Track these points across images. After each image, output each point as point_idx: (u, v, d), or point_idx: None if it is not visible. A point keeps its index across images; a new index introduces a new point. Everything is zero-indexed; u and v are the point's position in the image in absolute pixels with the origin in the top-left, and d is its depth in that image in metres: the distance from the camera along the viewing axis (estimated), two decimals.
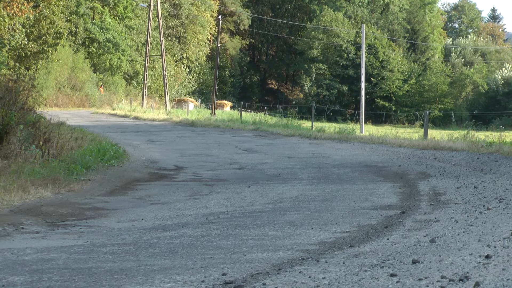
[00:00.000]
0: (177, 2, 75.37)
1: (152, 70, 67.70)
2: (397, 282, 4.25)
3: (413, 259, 4.97)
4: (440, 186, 11.38)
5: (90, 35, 62.64)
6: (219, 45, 51.90)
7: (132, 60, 67.92)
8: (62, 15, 40.50)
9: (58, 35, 39.30)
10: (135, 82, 68.95)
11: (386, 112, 75.09)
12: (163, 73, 54.90)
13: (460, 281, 4.18)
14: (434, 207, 8.88)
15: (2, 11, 28.60)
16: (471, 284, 4.10)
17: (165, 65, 54.85)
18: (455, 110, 74.44)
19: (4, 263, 5.52)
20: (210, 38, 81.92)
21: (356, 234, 6.83)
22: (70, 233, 7.70)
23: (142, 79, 59.43)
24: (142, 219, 8.68)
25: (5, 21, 29.64)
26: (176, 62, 74.04)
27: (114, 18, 66.17)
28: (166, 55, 59.05)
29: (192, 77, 76.22)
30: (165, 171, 15.19)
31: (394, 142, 22.31)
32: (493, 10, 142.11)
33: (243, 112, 48.72)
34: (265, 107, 68.54)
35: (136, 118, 42.20)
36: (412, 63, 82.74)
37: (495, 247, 5.42)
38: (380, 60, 78.83)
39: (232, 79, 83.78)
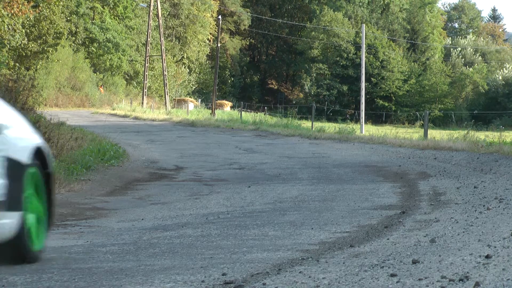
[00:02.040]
0: (177, 2, 75.36)
1: (152, 70, 67.70)
2: (397, 282, 4.25)
3: (413, 259, 4.97)
4: (440, 186, 11.38)
5: (90, 35, 62.65)
6: (219, 45, 51.89)
7: (132, 60, 67.93)
8: (62, 15, 40.50)
9: (58, 35, 39.28)
10: (135, 82, 68.96)
11: (386, 112, 75.11)
12: (163, 73, 54.90)
13: (460, 281, 4.18)
14: (434, 207, 8.88)
15: (2, 11, 28.60)
16: (471, 284, 4.10)
17: (165, 65, 54.85)
18: (455, 110, 74.47)
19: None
20: (210, 38, 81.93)
21: (356, 234, 6.83)
22: (70, 233, 7.70)
23: (142, 79, 59.43)
24: (142, 219, 8.68)
25: (4, 21, 29.64)
26: (176, 62, 74.04)
27: (114, 18, 66.16)
28: (166, 55, 59.04)
29: (192, 77, 76.22)
30: (165, 171, 15.19)
31: (394, 142, 22.31)
32: (493, 10, 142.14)
33: (243, 112, 48.74)
34: (265, 107, 68.54)
35: (136, 118, 42.22)
36: (412, 63, 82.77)
37: (495, 247, 5.43)
38: (380, 60, 78.84)
39: (232, 79, 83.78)
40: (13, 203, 5.30)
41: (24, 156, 5.51)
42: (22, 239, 5.36)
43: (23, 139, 5.65)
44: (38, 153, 5.73)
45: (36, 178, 5.65)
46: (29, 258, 5.45)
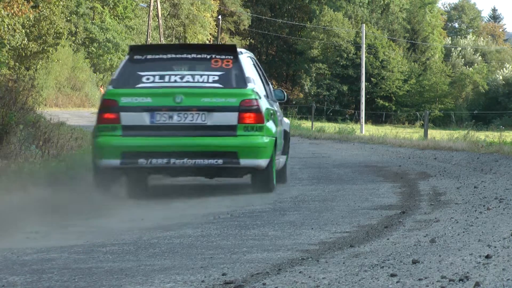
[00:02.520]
0: (177, 2, 75.37)
1: None
2: (397, 282, 4.26)
3: (413, 259, 4.97)
4: (440, 186, 11.38)
5: (90, 35, 62.67)
6: None
7: None
8: (62, 15, 40.49)
9: (58, 35, 39.28)
10: None
11: (386, 112, 75.10)
12: None
13: (460, 281, 4.18)
14: (434, 207, 8.87)
15: (2, 11, 28.61)
16: (471, 284, 4.10)
17: None
18: (455, 110, 74.48)
19: (4, 263, 5.52)
20: (210, 38, 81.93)
21: (356, 234, 6.83)
22: (70, 233, 7.70)
23: None
24: (142, 219, 8.68)
25: (4, 21, 29.65)
26: None
27: (114, 18, 66.20)
28: None
29: None
30: None
31: (394, 142, 22.34)
32: (493, 10, 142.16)
33: None
34: None
35: None
36: (412, 63, 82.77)
37: (495, 247, 5.43)
38: (380, 60, 78.84)
39: None
40: (284, 151, 11.32)
41: (287, 128, 11.87)
42: (285, 169, 11.71)
43: (286, 119, 12.10)
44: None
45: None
46: (284, 180, 11.53)
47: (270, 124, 9.63)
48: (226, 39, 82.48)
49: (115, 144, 9.44)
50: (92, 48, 62.10)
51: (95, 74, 62.01)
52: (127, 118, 9.28)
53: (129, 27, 67.59)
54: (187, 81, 9.44)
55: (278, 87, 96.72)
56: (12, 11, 28.41)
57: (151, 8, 55.81)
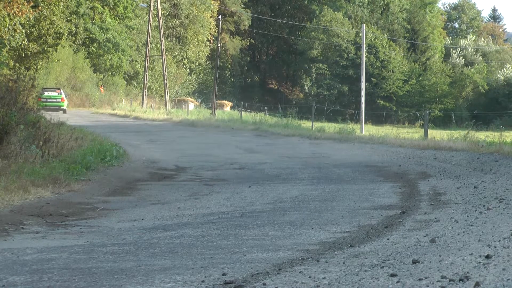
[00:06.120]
0: (177, 2, 75.35)
1: (152, 71, 67.66)
2: (397, 282, 4.26)
3: (413, 259, 4.97)
4: (440, 186, 11.38)
5: (90, 35, 62.65)
6: (219, 45, 51.90)
7: (132, 60, 67.91)
8: (62, 15, 40.48)
9: (58, 36, 39.26)
10: (135, 82, 68.97)
11: (386, 112, 75.09)
12: (163, 73, 54.90)
13: (461, 281, 4.18)
14: (434, 207, 8.88)
15: (3, 11, 28.59)
16: (471, 284, 4.10)
17: (165, 65, 54.85)
18: (455, 110, 74.47)
19: (4, 263, 5.52)
20: (211, 38, 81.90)
21: (356, 234, 6.83)
22: (70, 233, 7.70)
23: (142, 79, 59.45)
24: (142, 219, 8.68)
25: (5, 21, 29.64)
26: (177, 62, 74.03)
27: (114, 18, 66.16)
28: (166, 55, 59.04)
29: (193, 77, 76.22)
30: (165, 171, 15.20)
31: (395, 142, 22.32)
32: (493, 10, 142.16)
33: (243, 112, 48.78)
34: (265, 107, 68.51)
35: (136, 118, 42.24)
36: (413, 63, 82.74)
37: (495, 247, 5.43)
38: (380, 60, 78.83)
39: (232, 79, 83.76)
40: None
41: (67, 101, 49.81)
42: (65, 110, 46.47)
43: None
44: None
45: None
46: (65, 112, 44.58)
47: (67, 101, 47.27)
48: (226, 39, 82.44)
49: (43, 104, 37.96)
50: (92, 48, 62.08)
51: (95, 74, 61.99)
52: (44, 100, 42.01)
53: (129, 27, 67.54)
54: (52, 93, 46.26)
55: (278, 87, 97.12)
56: (12, 11, 28.39)
57: (151, 8, 55.76)
